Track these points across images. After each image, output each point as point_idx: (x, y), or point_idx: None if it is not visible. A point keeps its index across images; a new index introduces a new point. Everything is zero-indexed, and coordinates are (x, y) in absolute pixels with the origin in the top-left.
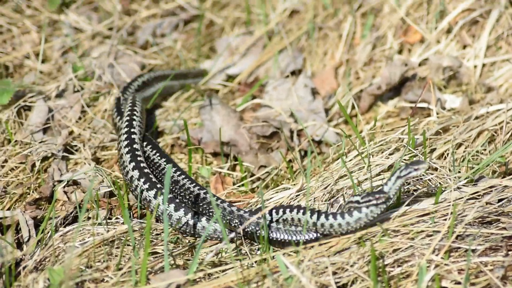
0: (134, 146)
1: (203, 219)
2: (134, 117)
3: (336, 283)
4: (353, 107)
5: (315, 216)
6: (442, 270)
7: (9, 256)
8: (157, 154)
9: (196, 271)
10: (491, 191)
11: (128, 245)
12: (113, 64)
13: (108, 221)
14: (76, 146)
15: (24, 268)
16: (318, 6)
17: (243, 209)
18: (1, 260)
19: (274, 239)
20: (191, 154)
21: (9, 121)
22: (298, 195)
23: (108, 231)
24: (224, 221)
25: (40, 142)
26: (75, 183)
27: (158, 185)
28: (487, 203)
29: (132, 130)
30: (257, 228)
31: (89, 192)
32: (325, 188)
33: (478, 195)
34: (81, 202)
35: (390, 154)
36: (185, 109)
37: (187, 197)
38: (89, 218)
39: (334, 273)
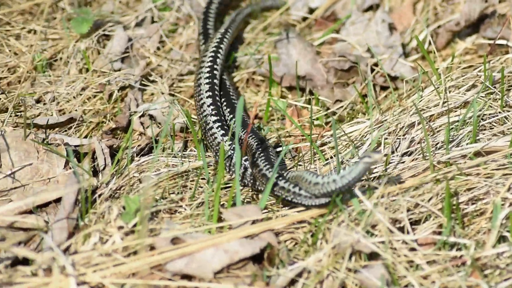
0: (215, 88)
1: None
2: (219, 54)
3: (409, 219)
4: (430, 43)
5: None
6: None
7: (86, 184)
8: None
9: (268, 210)
10: None
11: (202, 178)
12: None
13: (183, 153)
14: (153, 77)
15: (99, 196)
16: None
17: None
18: (78, 187)
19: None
20: (271, 87)
21: (89, 49)
22: (374, 129)
23: (182, 163)
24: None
25: (118, 71)
26: (151, 115)
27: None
28: None
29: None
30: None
31: (165, 129)
32: (399, 123)
33: None
34: (157, 134)
35: (467, 91)
36: (260, 44)
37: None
38: (164, 149)
39: (408, 210)
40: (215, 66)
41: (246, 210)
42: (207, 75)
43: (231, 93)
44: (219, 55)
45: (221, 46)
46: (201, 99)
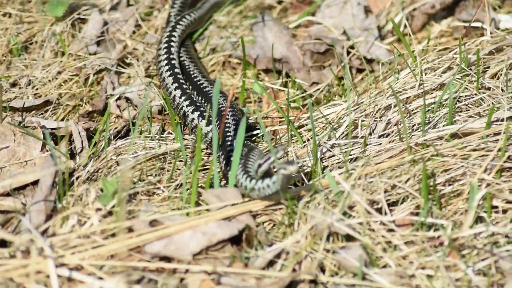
0: (176, 70)
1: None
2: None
3: (386, 201)
4: (405, 26)
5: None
6: (493, 189)
7: (63, 166)
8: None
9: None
10: None
11: (180, 161)
12: None
13: (161, 136)
14: (129, 60)
15: (77, 178)
16: None
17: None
18: (55, 170)
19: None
20: (246, 69)
21: (64, 33)
22: (351, 111)
23: (160, 146)
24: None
25: (93, 55)
26: (127, 98)
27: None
28: None
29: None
30: None
31: (142, 111)
32: (376, 105)
33: None
34: (133, 117)
35: (442, 73)
36: (236, 27)
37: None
38: (141, 132)
39: (385, 191)
40: (171, 56)
41: (225, 192)
42: (167, 67)
43: (192, 72)
44: (172, 44)
45: (174, 34)
46: (171, 92)
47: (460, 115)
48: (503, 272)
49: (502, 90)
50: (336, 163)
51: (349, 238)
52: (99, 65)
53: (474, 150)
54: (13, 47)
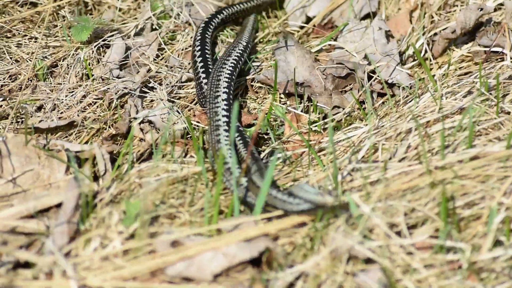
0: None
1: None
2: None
3: (406, 224)
4: (426, 51)
5: None
6: None
7: (86, 189)
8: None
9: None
10: None
11: (202, 184)
12: (192, 2)
13: (183, 159)
14: (153, 84)
15: (100, 201)
16: None
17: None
18: (79, 192)
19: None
20: (275, 95)
21: (89, 58)
22: (372, 134)
23: (182, 169)
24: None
25: (117, 78)
26: (150, 121)
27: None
28: None
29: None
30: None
31: (164, 136)
32: (396, 129)
33: None
34: (156, 140)
35: (463, 97)
36: (259, 51)
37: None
38: (164, 155)
39: (405, 214)
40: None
41: (238, 219)
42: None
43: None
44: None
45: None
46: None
47: (479, 139)
48: None
49: None
50: (357, 186)
51: (368, 260)
52: (123, 89)
53: (493, 174)
54: (39, 71)
